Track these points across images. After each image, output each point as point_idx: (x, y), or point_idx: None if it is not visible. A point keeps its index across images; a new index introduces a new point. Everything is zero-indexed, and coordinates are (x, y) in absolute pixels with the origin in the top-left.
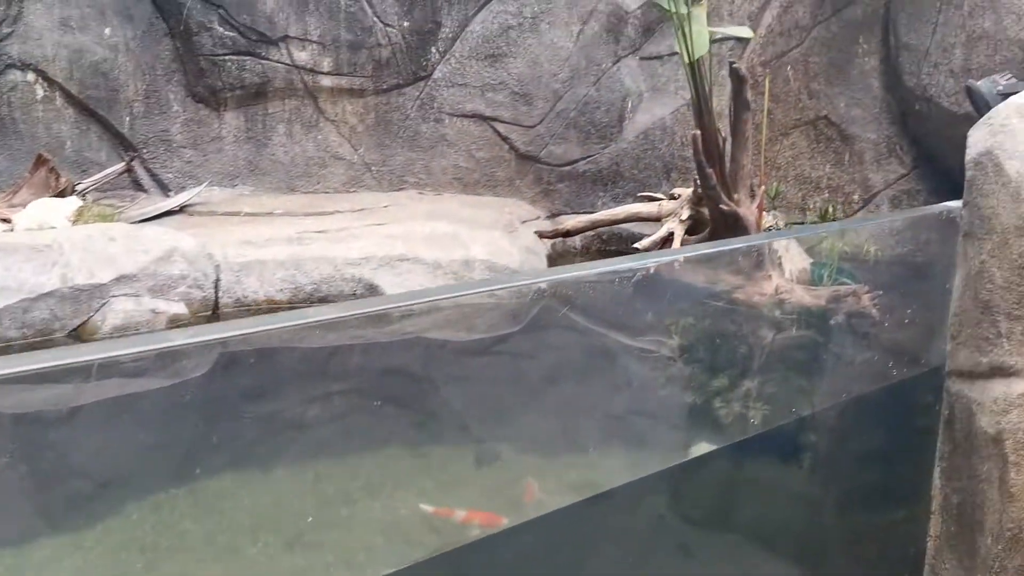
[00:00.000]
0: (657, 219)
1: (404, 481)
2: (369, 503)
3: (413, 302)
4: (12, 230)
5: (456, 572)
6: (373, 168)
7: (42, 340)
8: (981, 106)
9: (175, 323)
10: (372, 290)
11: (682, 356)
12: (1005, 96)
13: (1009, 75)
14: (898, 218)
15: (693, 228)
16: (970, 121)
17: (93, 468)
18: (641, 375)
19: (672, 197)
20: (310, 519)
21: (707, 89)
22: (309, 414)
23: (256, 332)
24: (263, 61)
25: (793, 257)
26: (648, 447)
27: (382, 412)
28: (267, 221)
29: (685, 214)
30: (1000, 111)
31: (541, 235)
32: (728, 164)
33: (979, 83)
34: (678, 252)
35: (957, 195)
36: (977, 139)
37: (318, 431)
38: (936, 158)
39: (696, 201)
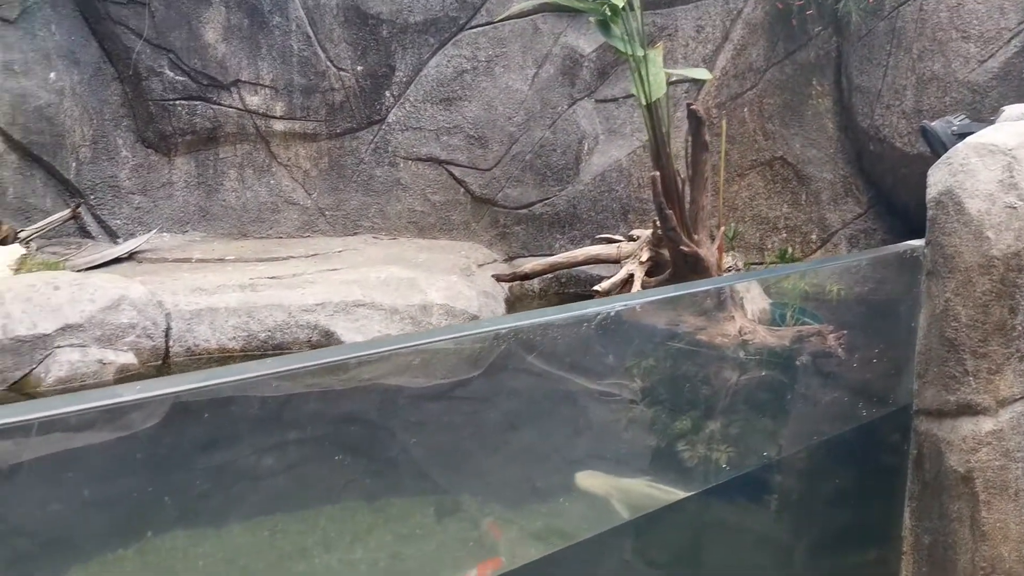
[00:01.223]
0: (616, 261)
1: (362, 535)
2: (326, 558)
3: (372, 351)
4: None
5: None
6: (327, 212)
7: None
8: (937, 146)
9: (124, 373)
10: (328, 336)
11: (646, 400)
12: (960, 136)
13: (963, 116)
14: (861, 258)
15: (653, 270)
16: (923, 161)
17: (36, 528)
18: (604, 420)
19: (631, 239)
20: None
21: (664, 131)
22: (263, 466)
23: (207, 386)
24: (214, 106)
25: (754, 298)
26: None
27: (338, 462)
28: (219, 267)
29: (645, 256)
30: (959, 151)
31: (499, 279)
32: (687, 205)
33: (934, 124)
34: (641, 296)
35: (913, 234)
36: (938, 179)
37: (273, 484)
38: (891, 197)
39: (655, 242)
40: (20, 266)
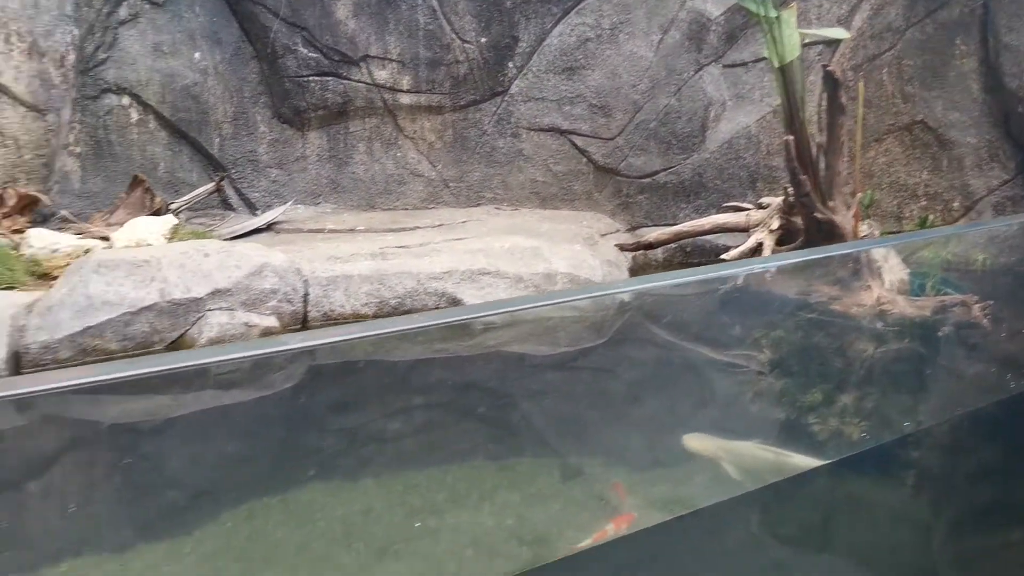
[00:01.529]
0: (744, 230)
1: (489, 493)
2: (456, 514)
3: (497, 311)
4: (111, 247)
5: None
6: (451, 184)
7: (142, 353)
8: None
9: (267, 336)
10: (455, 304)
11: (778, 369)
12: None
13: None
14: (1011, 223)
15: (784, 238)
16: None
17: (188, 477)
18: (734, 389)
19: (760, 207)
20: (417, 524)
21: (798, 94)
22: (394, 425)
23: (345, 340)
24: (345, 81)
25: (892, 267)
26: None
27: (466, 424)
28: (350, 237)
29: (775, 224)
30: None
31: (622, 247)
32: (822, 171)
33: None
34: (774, 259)
35: None
36: None
37: (403, 442)
38: None
39: (787, 210)
40: (172, 235)
